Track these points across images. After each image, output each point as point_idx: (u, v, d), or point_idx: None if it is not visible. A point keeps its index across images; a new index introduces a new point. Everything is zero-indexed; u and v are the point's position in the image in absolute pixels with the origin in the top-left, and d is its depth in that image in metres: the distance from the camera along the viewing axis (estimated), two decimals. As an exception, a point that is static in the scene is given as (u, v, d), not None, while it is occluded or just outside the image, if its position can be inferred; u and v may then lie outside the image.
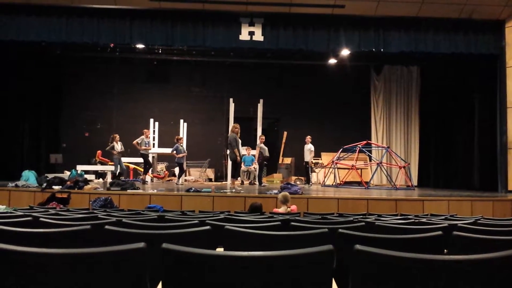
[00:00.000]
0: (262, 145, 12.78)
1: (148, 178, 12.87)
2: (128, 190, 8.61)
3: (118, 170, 12.06)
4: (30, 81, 13.86)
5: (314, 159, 13.57)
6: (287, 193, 6.50)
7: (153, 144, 13.48)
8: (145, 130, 12.56)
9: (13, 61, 12.96)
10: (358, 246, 1.57)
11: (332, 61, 14.82)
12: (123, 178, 11.82)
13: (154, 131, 14.08)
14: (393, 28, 11.35)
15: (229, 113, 14.28)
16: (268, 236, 2.49)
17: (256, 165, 13.04)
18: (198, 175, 14.84)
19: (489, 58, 11.65)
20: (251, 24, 11.11)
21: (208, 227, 2.61)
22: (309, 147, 12.76)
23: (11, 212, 4.59)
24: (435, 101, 14.81)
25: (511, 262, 1.58)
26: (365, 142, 13.57)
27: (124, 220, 3.28)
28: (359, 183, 13.01)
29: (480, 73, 12.39)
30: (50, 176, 9.69)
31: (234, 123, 12.56)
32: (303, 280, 1.56)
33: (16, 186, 8.97)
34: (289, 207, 6.13)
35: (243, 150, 12.51)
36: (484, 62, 11.93)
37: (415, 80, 16.06)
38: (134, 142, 12.16)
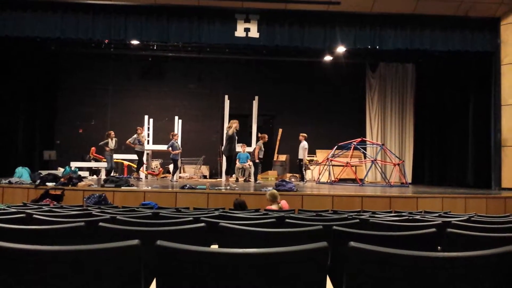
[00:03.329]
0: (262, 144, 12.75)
1: (142, 175, 12.84)
2: (122, 187, 8.58)
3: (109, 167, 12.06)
4: (24, 77, 13.77)
5: (308, 157, 13.56)
6: (274, 191, 6.47)
7: (148, 140, 13.43)
8: (138, 128, 12.51)
9: (8, 57, 12.86)
10: (352, 243, 1.58)
11: (328, 58, 14.81)
12: (116, 174, 11.79)
13: (148, 127, 14.04)
14: (389, 25, 11.37)
15: (224, 110, 14.25)
16: (263, 233, 2.49)
17: (251, 163, 13.02)
18: (193, 172, 14.82)
19: (485, 56, 11.71)
20: (247, 20, 11.09)
21: (202, 224, 2.61)
22: (302, 145, 12.77)
23: (4, 209, 4.56)
24: (430, 98, 14.86)
25: (504, 259, 1.59)
26: (359, 139, 13.58)
27: (118, 217, 3.27)
28: (353, 180, 13.04)
29: (475, 70, 12.43)
30: (44, 172, 9.61)
31: (229, 119, 12.49)
32: (297, 277, 1.56)
33: (10, 182, 8.90)
34: (279, 203, 6.14)
35: (239, 147, 12.48)
36: (480, 60, 11.99)
37: (410, 77, 16.12)
38: (127, 142, 12.13)
